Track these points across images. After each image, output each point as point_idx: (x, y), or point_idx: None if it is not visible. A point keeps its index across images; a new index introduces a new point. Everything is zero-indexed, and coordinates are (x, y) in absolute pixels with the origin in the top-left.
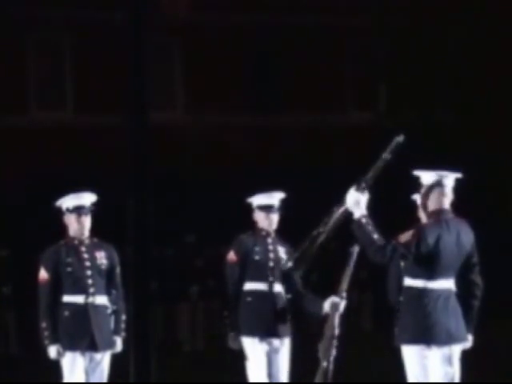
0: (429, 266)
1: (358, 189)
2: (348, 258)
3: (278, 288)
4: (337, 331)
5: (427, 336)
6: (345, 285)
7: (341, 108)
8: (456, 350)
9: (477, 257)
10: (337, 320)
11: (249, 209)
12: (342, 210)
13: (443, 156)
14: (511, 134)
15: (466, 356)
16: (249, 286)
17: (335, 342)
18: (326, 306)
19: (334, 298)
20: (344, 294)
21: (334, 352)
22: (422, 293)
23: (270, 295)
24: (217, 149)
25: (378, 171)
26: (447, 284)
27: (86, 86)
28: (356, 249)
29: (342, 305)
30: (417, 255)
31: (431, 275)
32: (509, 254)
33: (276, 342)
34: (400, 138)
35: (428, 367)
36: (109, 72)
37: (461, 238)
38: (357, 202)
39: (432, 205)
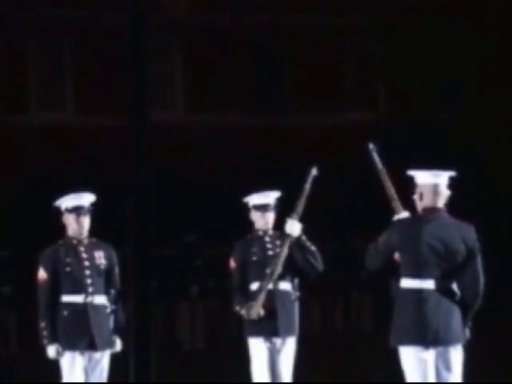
0: (409, 261)
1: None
2: (305, 180)
3: (284, 286)
4: (285, 252)
5: (414, 336)
6: (300, 206)
7: (341, 108)
8: (454, 354)
9: (478, 261)
10: (288, 242)
11: (246, 209)
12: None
13: (443, 156)
14: (511, 134)
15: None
16: (254, 286)
17: (283, 261)
18: (286, 227)
19: (290, 219)
20: (297, 216)
21: (277, 272)
22: (412, 293)
23: (274, 294)
24: (217, 149)
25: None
26: (439, 284)
27: (86, 86)
28: (314, 171)
29: (297, 226)
30: (382, 249)
31: (418, 274)
32: (509, 253)
33: (280, 341)
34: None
35: (424, 369)
36: (109, 72)
37: (448, 237)
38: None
39: (425, 203)
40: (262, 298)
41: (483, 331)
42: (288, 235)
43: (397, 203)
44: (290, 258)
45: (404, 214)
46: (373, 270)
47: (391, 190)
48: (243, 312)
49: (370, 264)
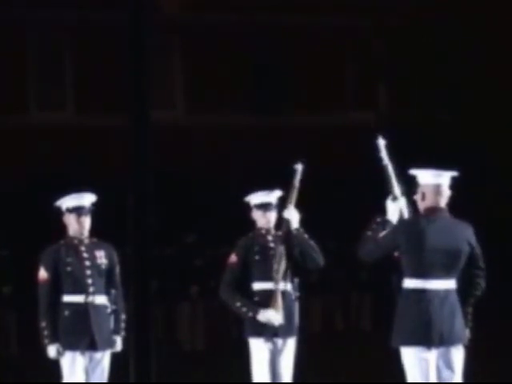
0: (412, 262)
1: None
2: (293, 176)
3: (285, 286)
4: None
5: (419, 337)
6: (291, 199)
7: (341, 108)
8: (456, 353)
9: (479, 259)
10: (284, 234)
11: (248, 208)
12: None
13: (443, 156)
14: (511, 134)
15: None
16: (256, 286)
17: (284, 258)
18: (285, 213)
19: (286, 211)
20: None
21: (282, 267)
22: (415, 293)
23: (275, 294)
24: (217, 149)
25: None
26: (442, 285)
27: (86, 86)
28: (300, 167)
29: (295, 213)
30: (384, 246)
31: (422, 274)
32: (509, 253)
33: (281, 342)
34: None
35: (426, 369)
36: (109, 72)
37: (452, 237)
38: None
39: (428, 204)
40: (279, 301)
41: (483, 331)
42: (287, 221)
43: (400, 201)
44: (289, 255)
45: (406, 214)
46: (368, 261)
47: (395, 187)
48: (251, 314)
49: (366, 256)
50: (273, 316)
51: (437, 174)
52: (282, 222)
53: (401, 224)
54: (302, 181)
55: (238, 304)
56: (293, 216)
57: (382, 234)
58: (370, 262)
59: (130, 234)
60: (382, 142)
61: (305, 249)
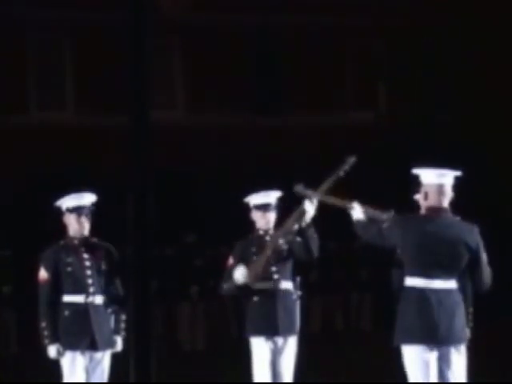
0: (414, 261)
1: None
2: (340, 166)
3: (285, 285)
4: (295, 226)
5: (419, 336)
6: (325, 187)
7: (341, 108)
8: (457, 354)
9: (481, 261)
10: (296, 216)
11: (247, 209)
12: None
13: (443, 156)
14: (511, 134)
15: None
16: (255, 285)
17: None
18: (306, 205)
19: (308, 201)
20: (316, 198)
21: (281, 242)
22: (416, 292)
23: (276, 294)
24: (217, 149)
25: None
26: (443, 284)
27: (86, 86)
28: (352, 159)
29: (312, 212)
30: (386, 237)
31: (423, 273)
32: (509, 254)
33: (282, 340)
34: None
35: (426, 368)
36: (109, 72)
37: (453, 237)
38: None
39: (430, 203)
40: (262, 260)
41: (483, 330)
42: (304, 211)
43: (354, 205)
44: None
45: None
46: (367, 242)
47: (339, 201)
48: (231, 280)
49: (368, 239)
50: (241, 269)
51: (440, 173)
52: (300, 209)
53: (402, 221)
54: (312, 181)
55: (226, 286)
56: (310, 211)
57: (386, 225)
58: (370, 243)
59: (130, 234)
60: (300, 189)
61: (307, 245)
